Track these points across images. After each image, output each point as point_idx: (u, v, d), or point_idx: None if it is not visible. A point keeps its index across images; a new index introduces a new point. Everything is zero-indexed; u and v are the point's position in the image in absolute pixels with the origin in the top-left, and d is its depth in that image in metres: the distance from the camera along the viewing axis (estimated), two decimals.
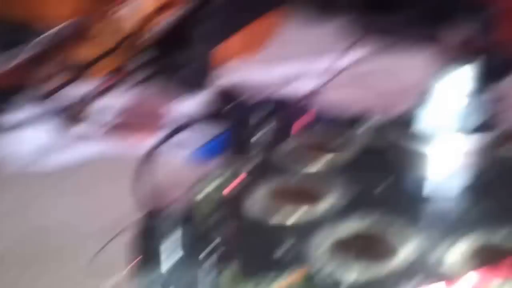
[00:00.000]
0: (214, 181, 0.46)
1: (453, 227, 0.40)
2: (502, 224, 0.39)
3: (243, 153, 0.51)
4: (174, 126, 0.73)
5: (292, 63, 0.89)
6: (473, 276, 0.35)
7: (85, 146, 0.77)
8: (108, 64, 0.90)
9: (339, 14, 1.04)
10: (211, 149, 0.66)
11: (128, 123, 0.74)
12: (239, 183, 0.46)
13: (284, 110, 0.55)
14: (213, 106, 0.68)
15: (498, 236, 0.38)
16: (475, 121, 0.42)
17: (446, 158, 0.43)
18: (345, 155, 0.48)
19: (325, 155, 0.48)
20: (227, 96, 0.66)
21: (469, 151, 0.42)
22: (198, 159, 0.65)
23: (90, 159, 0.81)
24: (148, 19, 0.89)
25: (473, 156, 0.42)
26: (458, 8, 0.87)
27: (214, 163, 0.54)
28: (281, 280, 0.38)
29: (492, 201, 0.42)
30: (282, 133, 0.52)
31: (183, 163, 0.67)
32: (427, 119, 0.42)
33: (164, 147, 0.70)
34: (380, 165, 0.45)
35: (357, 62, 0.73)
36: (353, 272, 0.37)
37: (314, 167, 0.47)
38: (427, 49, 0.80)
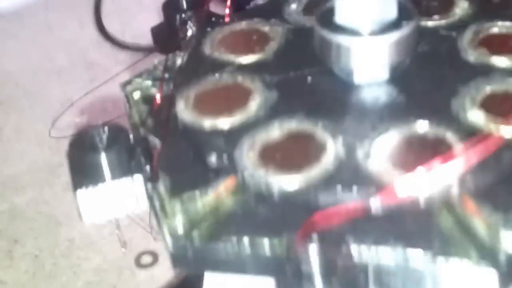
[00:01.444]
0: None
1: (377, 121, 0.37)
2: (422, 116, 0.37)
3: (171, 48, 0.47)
4: None
5: None
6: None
7: None
8: None
9: None
10: None
11: None
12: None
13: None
14: None
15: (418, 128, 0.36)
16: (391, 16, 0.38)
17: (368, 54, 0.38)
18: (270, 51, 0.43)
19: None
20: None
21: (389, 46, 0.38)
22: None
23: None
24: None
25: (393, 51, 0.38)
26: None
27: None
28: (212, 191, 0.35)
29: (411, 95, 0.39)
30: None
31: None
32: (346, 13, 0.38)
33: None
34: (302, 61, 0.41)
35: None
36: (284, 177, 0.34)
37: (244, 61, 0.43)
38: None
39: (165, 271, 0.93)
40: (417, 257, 0.32)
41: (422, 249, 0.31)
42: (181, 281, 0.82)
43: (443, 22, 0.44)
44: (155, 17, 1.20)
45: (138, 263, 0.95)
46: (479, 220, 0.32)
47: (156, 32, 0.53)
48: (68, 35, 1.43)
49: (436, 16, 0.45)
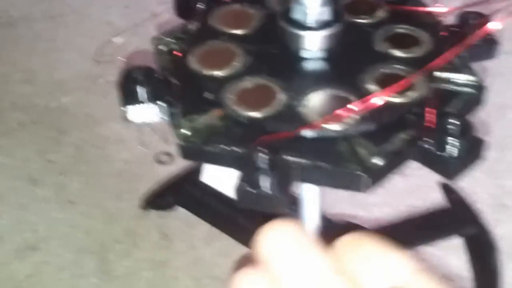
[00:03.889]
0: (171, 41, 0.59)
1: (311, 83, 0.53)
2: (346, 83, 0.53)
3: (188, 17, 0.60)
4: None
5: None
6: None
7: None
8: None
9: None
10: None
11: None
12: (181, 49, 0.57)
13: None
14: None
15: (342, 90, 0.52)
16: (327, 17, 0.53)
17: (311, 41, 0.54)
18: (251, 27, 0.59)
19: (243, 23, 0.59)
20: None
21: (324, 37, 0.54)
22: None
23: None
24: None
25: (326, 40, 0.54)
26: None
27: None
28: (207, 116, 0.52)
29: (335, 69, 0.55)
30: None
31: None
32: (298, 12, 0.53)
33: None
34: (272, 39, 0.56)
35: None
36: (252, 111, 0.50)
37: (235, 31, 0.59)
38: None
39: (179, 168, 1.11)
40: (323, 165, 0.50)
41: (325, 162, 0.50)
42: (188, 171, 0.99)
43: (367, 21, 0.61)
44: None
45: (157, 160, 1.14)
46: (363, 149, 0.50)
47: (177, 3, 0.65)
48: None
49: (363, 16, 0.61)
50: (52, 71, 1.28)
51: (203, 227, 1.00)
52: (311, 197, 0.66)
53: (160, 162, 1.13)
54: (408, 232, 0.84)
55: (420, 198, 1.01)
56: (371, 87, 0.54)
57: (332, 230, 0.75)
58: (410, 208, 0.99)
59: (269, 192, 0.47)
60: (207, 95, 0.54)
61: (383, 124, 0.51)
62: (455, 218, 0.85)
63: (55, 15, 1.39)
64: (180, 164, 1.11)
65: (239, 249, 0.93)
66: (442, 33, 0.58)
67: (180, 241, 1.00)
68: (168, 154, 1.14)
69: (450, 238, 0.89)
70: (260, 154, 0.47)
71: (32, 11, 1.41)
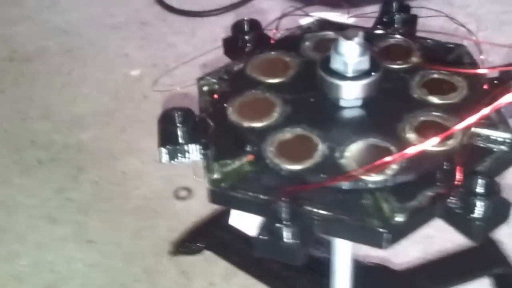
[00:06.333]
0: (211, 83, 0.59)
1: (350, 133, 0.53)
2: (385, 131, 0.52)
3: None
4: None
5: None
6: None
7: None
8: None
9: None
10: None
11: None
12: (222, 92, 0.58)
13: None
14: None
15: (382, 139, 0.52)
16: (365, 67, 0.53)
17: (349, 90, 0.54)
18: (289, 76, 0.60)
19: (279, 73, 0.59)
20: None
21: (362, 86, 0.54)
22: None
23: None
24: None
25: (364, 89, 0.54)
26: None
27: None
28: (238, 161, 0.52)
29: (373, 117, 0.55)
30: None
31: None
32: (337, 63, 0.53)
33: None
34: (309, 87, 0.57)
35: None
36: (293, 164, 0.50)
37: (273, 80, 0.59)
38: None
39: (198, 203, 1.10)
40: (344, 219, 0.49)
41: (347, 216, 0.49)
42: (216, 214, 0.99)
43: (402, 66, 0.61)
44: None
45: (176, 195, 1.13)
46: (386, 204, 0.50)
47: (226, 43, 0.67)
48: None
49: (398, 61, 0.61)
50: (70, 106, 1.27)
51: (221, 263, 0.99)
52: (344, 242, 0.66)
53: (178, 197, 1.13)
54: (439, 274, 0.84)
55: (449, 239, 1.00)
56: (411, 136, 0.54)
57: (363, 273, 0.75)
58: (441, 248, 0.98)
59: (288, 243, 0.46)
60: (248, 147, 0.54)
61: (418, 175, 0.51)
62: (484, 258, 0.84)
63: (71, 49, 1.39)
64: (199, 200, 1.10)
65: (258, 286, 0.93)
66: (480, 83, 0.58)
67: (198, 279, 1.00)
68: (187, 189, 1.13)
69: (480, 278, 0.88)
70: (282, 204, 0.47)
71: (48, 45, 1.40)
